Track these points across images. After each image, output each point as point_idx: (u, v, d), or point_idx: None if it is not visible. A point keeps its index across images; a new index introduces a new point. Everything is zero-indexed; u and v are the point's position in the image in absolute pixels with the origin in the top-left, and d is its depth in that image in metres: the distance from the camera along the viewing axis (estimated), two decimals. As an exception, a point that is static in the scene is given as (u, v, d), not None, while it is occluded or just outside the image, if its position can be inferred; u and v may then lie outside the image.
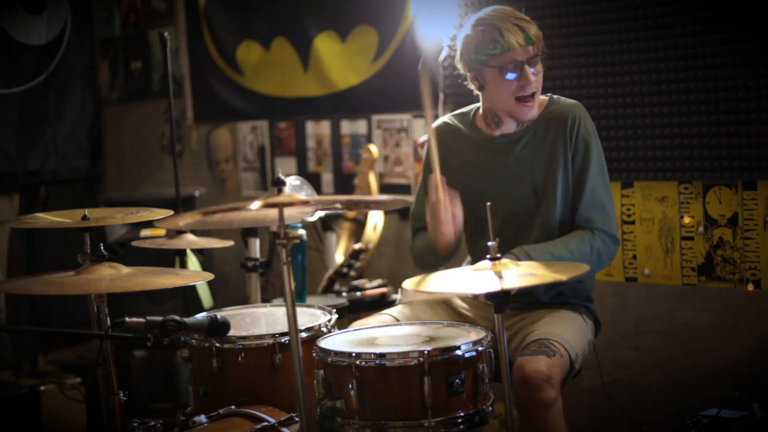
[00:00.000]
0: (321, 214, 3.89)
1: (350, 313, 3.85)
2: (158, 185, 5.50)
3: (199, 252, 4.46)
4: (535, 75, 2.78)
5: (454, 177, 2.94)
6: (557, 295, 2.91)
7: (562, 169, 2.83)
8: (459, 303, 3.06)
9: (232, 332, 2.52)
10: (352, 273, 4.07)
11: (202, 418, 2.50)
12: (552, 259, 2.69)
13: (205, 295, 4.59)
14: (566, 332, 2.73)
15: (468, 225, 2.99)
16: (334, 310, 2.85)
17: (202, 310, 4.19)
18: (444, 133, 3.00)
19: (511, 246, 2.73)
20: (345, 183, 4.66)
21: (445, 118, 3.05)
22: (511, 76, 2.78)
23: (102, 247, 2.44)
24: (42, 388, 4.40)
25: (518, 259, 2.65)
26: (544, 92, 2.95)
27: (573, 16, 3.71)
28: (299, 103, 4.85)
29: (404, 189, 4.41)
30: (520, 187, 2.87)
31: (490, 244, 2.33)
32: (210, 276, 2.51)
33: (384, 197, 2.99)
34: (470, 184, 2.92)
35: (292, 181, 3.36)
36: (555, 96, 2.92)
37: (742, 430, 2.94)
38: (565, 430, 2.58)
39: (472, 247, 3.04)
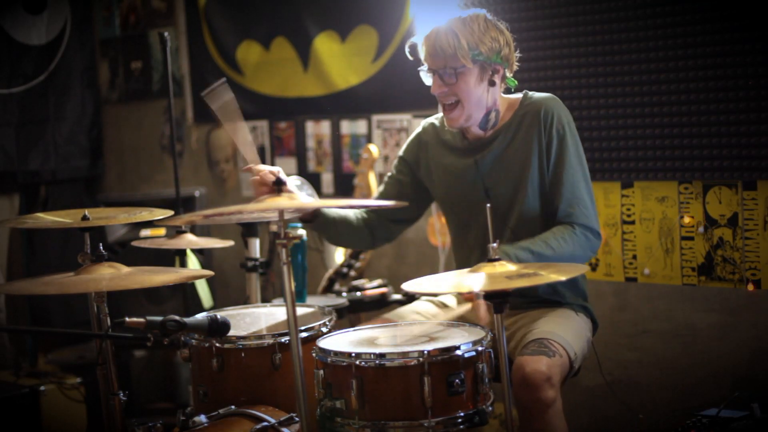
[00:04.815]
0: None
1: (350, 313, 3.85)
2: (158, 185, 5.50)
3: (199, 252, 4.46)
4: (440, 86, 2.80)
5: (435, 181, 2.96)
6: (554, 293, 2.91)
7: (536, 160, 2.81)
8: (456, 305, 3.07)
9: (232, 332, 2.52)
10: (352, 273, 4.07)
11: (202, 418, 2.50)
12: (531, 256, 2.68)
13: (205, 295, 4.59)
14: (565, 332, 2.74)
15: (450, 226, 3.01)
16: (334, 311, 2.86)
17: (202, 310, 4.19)
18: (428, 136, 3.01)
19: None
20: (345, 183, 4.66)
21: (434, 119, 3.05)
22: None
23: (101, 247, 2.44)
24: (42, 388, 4.40)
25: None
26: (531, 88, 2.95)
27: (572, 15, 3.71)
28: (299, 103, 4.85)
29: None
30: (497, 188, 2.86)
31: (491, 245, 2.34)
32: (210, 273, 2.51)
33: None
34: (449, 188, 2.92)
35: (292, 181, 3.36)
36: (530, 93, 2.91)
37: (742, 430, 2.94)
38: (566, 429, 2.59)
39: (456, 250, 3.04)
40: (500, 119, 2.89)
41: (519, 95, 2.92)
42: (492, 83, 2.81)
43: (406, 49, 2.89)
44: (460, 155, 2.93)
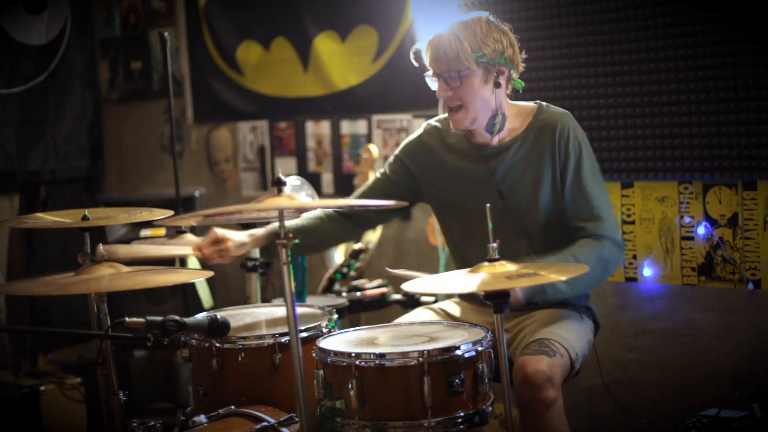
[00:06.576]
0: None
1: (350, 313, 3.85)
2: (158, 185, 5.50)
3: (199, 252, 4.46)
4: (445, 90, 2.79)
5: (440, 183, 2.94)
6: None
7: (549, 175, 2.80)
8: (455, 307, 3.06)
9: (231, 332, 2.52)
10: (352, 273, 4.07)
11: (202, 418, 2.50)
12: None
13: (205, 295, 4.60)
14: (566, 332, 2.73)
15: (453, 231, 2.99)
16: (334, 310, 2.86)
17: (202, 310, 4.19)
18: (431, 138, 2.99)
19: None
20: (345, 183, 4.66)
21: (436, 121, 3.03)
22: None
23: (101, 247, 2.44)
24: (42, 388, 4.40)
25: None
26: (536, 96, 2.94)
27: (573, 15, 3.71)
28: (299, 103, 4.86)
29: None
30: (512, 197, 2.84)
31: (491, 245, 2.33)
32: (209, 273, 2.51)
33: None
34: (459, 191, 2.90)
35: (292, 181, 3.36)
36: (544, 104, 2.90)
37: (742, 430, 2.94)
38: (567, 429, 2.58)
39: (456, 253, 3.03)
40: (510, 125, 2.86)
41: (531, 104, 2.91)
42: (497, 85, 2.80)
43: (411, 56, 2.88)
44: (469, 160, 2.90)
